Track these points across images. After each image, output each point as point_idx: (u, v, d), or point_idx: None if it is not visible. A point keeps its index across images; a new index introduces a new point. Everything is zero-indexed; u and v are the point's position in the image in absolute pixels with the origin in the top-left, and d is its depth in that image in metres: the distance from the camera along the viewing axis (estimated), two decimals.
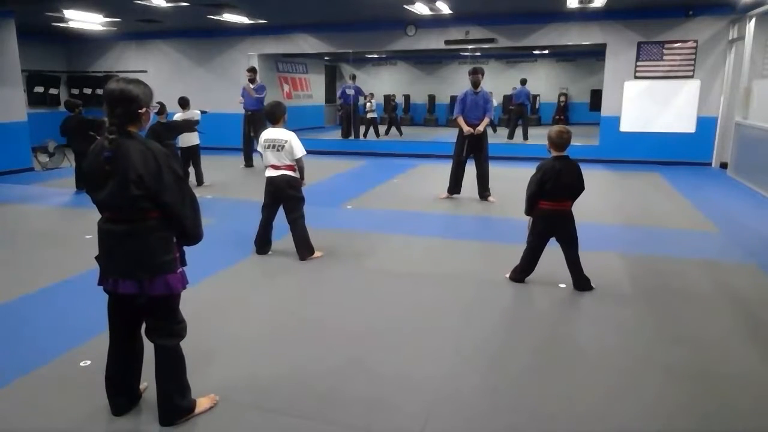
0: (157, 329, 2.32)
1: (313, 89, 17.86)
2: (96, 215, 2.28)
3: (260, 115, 9.22)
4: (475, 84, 6.75)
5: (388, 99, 17.95)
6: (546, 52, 17.52)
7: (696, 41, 9.63)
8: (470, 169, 7.02)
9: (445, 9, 9.51)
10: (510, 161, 10.40)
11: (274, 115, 4.55)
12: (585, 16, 9.88)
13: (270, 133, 4.55)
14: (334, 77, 19.58)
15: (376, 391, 2.66)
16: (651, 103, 10.09)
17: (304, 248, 4.67)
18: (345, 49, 12.27)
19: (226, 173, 9.36)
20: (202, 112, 8.41)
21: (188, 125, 7.75)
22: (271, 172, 4.59)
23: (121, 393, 2.44)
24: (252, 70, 10.08)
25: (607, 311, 3.62)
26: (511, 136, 13.55)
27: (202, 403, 2.47)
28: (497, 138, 14.02)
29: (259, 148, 4.64)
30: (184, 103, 8.26)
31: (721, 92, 9.65)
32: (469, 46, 11.64)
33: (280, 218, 4.73)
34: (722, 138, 9.65)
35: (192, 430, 2.36)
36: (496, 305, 3.77)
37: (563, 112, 17.41)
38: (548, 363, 2.96)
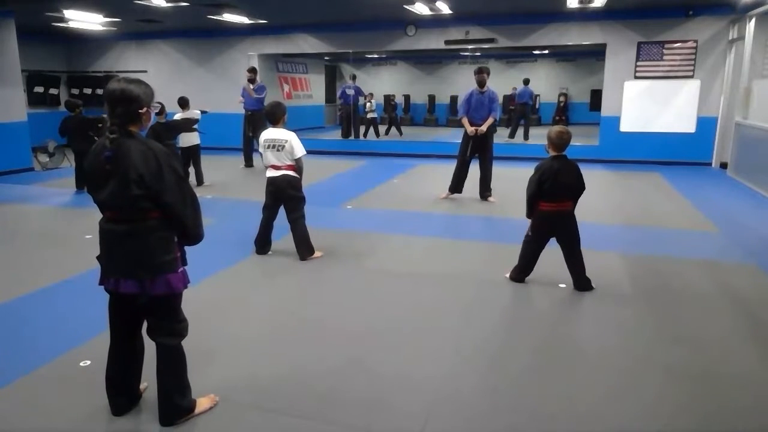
0: (158, 328, 2.33)
1: (313, 89, 17.86)
2: (96, 215, 2.28)
3: (260, 115, 9.23)
4: (481, 83, 6.69)
5: (388, 99, 17.95)
6: (546, 52, 17.52)
7: (696, 41, 9.63)
8: (474, 169, 7.01)
9: (445, 9, 9.51)
10: (511, 161, 10.39)
11: (274, 116, 4.55)
12: (585, 16, 9.88)
13: (270, 134, 4.55)
14: (334, 77, 19.57)
15: (376, 391, 2.66)
16: (651, 103, 10.09)
17: (304, 248, 4.67)
18: (345, 49, 12.28)
19: (226, 173, 9.36)
20: (203, 112, 8.41)
21: (188, 125, 7.76)
22: (271, 173, 4.59)
23: (122, 393, 2.44)
24: (252, 70, 10.08)
25: (607, 311, 3.62)
26: (512, 135, 13.56)
27: (202, 404, 2.47)
28: (497, 138, 14.00)
29: (259, 149, 4.64)
30: (183, 103, 8.26)
31: (721, 92, 9.65)
32: (469, 46, 11.64)
33: (281, 218, 4.73)
34: (722, 138, 9.65)
35: (192, 430, 2.36)
36: (496, 305, 3.77)
37: (563, 112, 17.41)
38: (548, 363, 2.96)
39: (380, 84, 19.54)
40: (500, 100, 17.38)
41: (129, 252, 2.19)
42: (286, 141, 4.48)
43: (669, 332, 3.32)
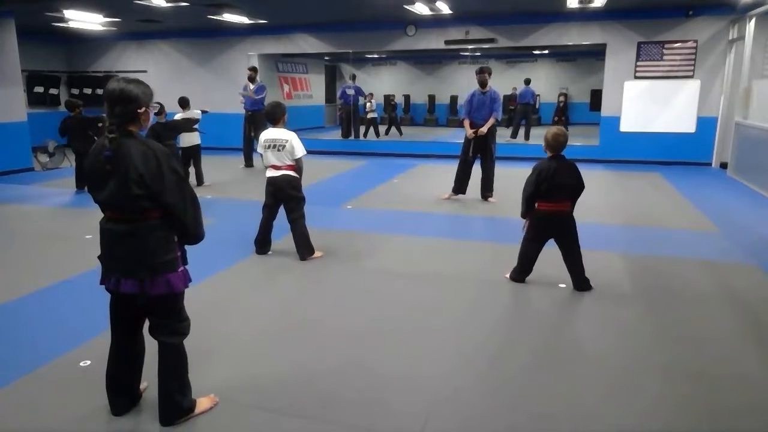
0: (160, 327, 2.33)
1: (313, 89, 17.87)
2: (96, 215, 2.29)
3: (260, 115, 9.23)
4: (482, 84, 6.65)
5: (388, 99, 17.96)
6: (546, 52, 17.52)
7: (696, 41, 9.63)
8: (476, 169, 7.00)
9: (445, 9, 9.51)
10: (511, 161, 10.38)
11: (274, 116, 4.56)
12: (585, 16, 9.88)
13: (270, 134, 4.55)
14: (334, 77, 19.58)
15: (376, 391, 2.66)
16: (651, 103, 10.09)
17: (304, 248, 4.67)
18: (345, 49, 12.27)
19: (226, 173, 9.36)
20: (203, 112, 8.41)
21: (188, 125, 7.75)
22: (272, 173, 4.59)
23: (122, 393, 2.44)
24: (253, 69, 10.09)
25: (607, 311, 3.62)
26: (514, 135, 13.56)
27: (202, 404, 2.47)
28: (499, 138, 14.00)
29: (258, 149, 4.64)
30: (184, 103, 8.26)
31: (721, 92, 9.65)
32: (469, 46, 11.64)
33: (281, 218, 4.73)
34: (722, 138, 9.65)
35: (192, 430, 2.36)
36: (496, 305, 3.77)
37: (563, 112, 17.42)
38: (548, 363, 2.96)
39: (380, 84, 19.54)
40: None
41: (129, 251, 2.20)
42: (287, 141, 4.48)
43: (669, 332, 3.32)
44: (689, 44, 9.67)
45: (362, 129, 14.30)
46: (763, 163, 7.59)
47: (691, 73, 9.77)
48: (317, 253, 4.73)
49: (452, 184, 7.09)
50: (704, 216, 6.23)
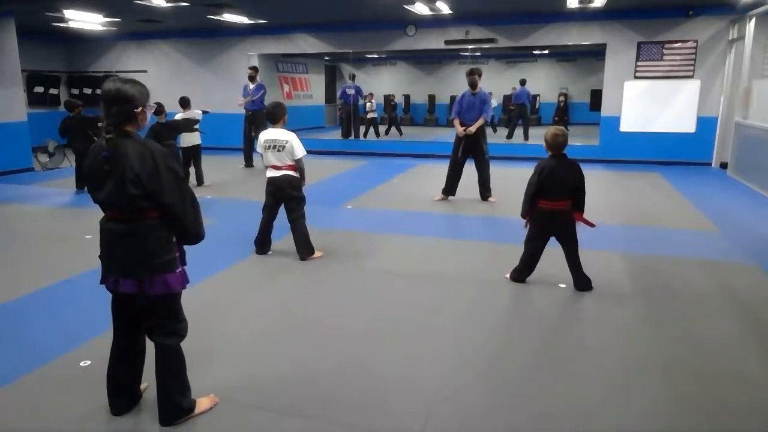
0: (157, 328, 2.32)
1: (313, 89, 17.87)
2: (96, 215, 2.29)
3: (260, 115, 9.24)
4: (472, 85, 6.71)
5: (388, 99, 17.96)
6: (546, 52, 17.52)
7: (696, 41, 9.63)
8: (470, 171, 7.01)
9: (445, 9, 9.51)
10: (510, 161, 10.40)
11: (274, 116, 4.56)
12: (585, 16, 9.88)
13: (270, 134, 4.55)
14: (334, 77, 19.58)
15: (376, 391, 2.66)
16: (651, 103, 10.08)
17: (305, 248, 4.67)
18: (345, 49, 12.27)
19: (226, 173, 9.36)
20: (204, 112, 8.40)
21: (188, 125, 7.75)
22: (272, 173, 4.60)
23: (122, 393, 2.44)
24: (253, 69, 10.10)
25: (607, 311, 3.62)
26: (510, 136, 13.57)
27: (202, 404, 2.47)
28: (497, 138, 14.03)
29: (258, 149, 4.64)
30: (184, 103, 8.25)
31: (721, 92, 9.65)
32: (469, 46, 11.64)
33: (281, 218, 4.73)
34: (722, 138, 9.65)
35: (192, 430, 2.36)
36: (496, 305, 3.77)
37: (563, 112, 17.43)
38: (548, 363, 2.96)
39: (380, 84, 19.55)
40: (501, 100, 17.49)
41: (129, 251, 2.20)
42: (287, 141, 4.48)
43: (669, 332, 3.32)
44: (689, 44, 9.67)
45: (362, 129, 14.30)
46: (763, 163, 7.59)
47: (691, 73, 9.77)
48: (317, 253, 4.73)
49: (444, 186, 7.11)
50: (704, 216, 6.23)
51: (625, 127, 10.33)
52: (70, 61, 13.99)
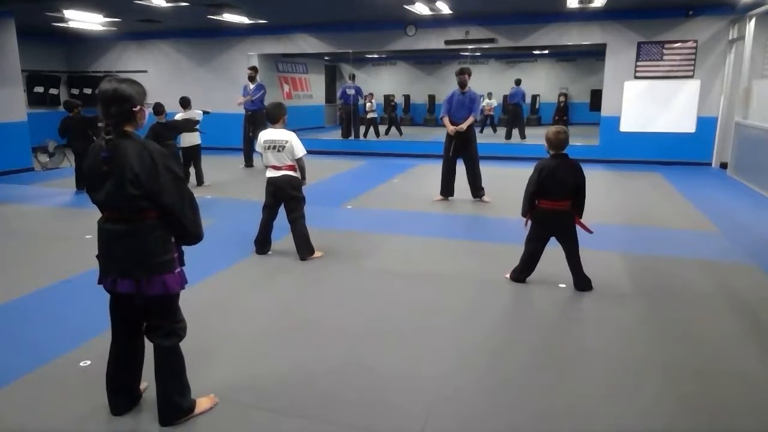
0: (156, 329, 2.32)
1: (313, 89, 17.86)
2: (96, 215, 2.28)
3: (260, 115, 9.24)
4: (462, 84, 6.73)
5: (388, 99, 17.95)
6: (546, 52, 17.52)
7: (696, 41, 9.63)
8: (463, 170, 6.99)
9: (445, 9, 9.51)
10: (508, 161, 10.40)
11: (275, 116, 4.56)
12: (585, 16, 9.88)
13: (270, 134, 4.55)
14: (334, 77, 19.58)
15: (376, 391, 2.66)
16: (651, 103, 10.08)
17: (305, 248, 4.67)
18: (345, 49, 12.27)
19: (226, 173, 9.36)
20: (204, 113, 8.40)
21: (188, 125, 7.75)
22: (272, 173, 4.60)
23: (121, 393, 2.44)
24: (253, 69, 10.10)
25: (607, 311, 3.62)
26: (508, 136, 13.58)
27: (202, 404, 2.47)
28: (496, 138, 14.05)
29: (258, 149, 4.64)
30: (185, 103, 8.25)
31: (721, 92, 9.65)
32: (469, 46, 11.64)
33: (281, 218, 4.73)
34: (722, 138, 9.65)
35: (192, 430, 2.36)
36: (496, 305, 3.77)
37: (563, 112, 17.42)
38: (548, 363, 2.96)
39: (380, 84, 19.55)
40: (500, 100, 17.48)
41: (128, 251, 2.19)
42: (287, 141, 4.48)
43: (669, 332, 3.32)
44: (689, 44, 9.67)
45: (362, 129, 14.30)
46: (763, 163, 7.59)
47: (691, 73, 9.77)
48: (317, 253, 4.73)
49: (440, 187, 7.11)
50: (704, 216, 6.23)
51: (625, 127, 10.33)
52: (70, 61, 14.00)
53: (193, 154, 8.03)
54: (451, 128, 6.76)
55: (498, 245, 5.08)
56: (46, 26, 11.31)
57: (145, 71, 12.98)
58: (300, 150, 4.51)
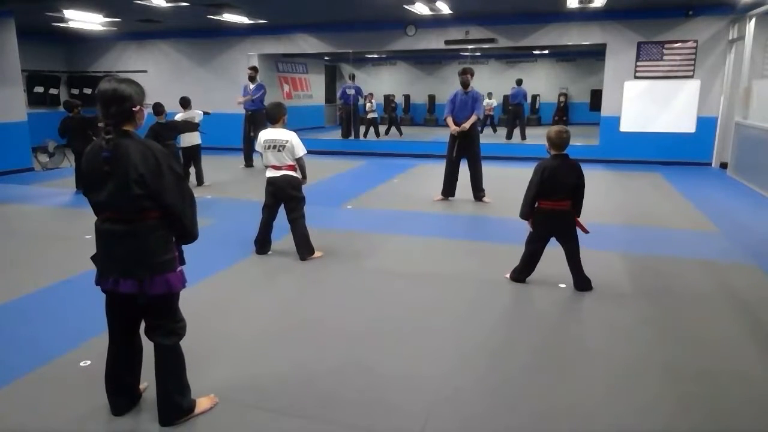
0: (156, 328, 2.32)
1: (313, 89, 17.86)
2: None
3: (260, 115, 9.24)
4: (464, 84, 6.74)
5: (388, 99, 17.95)
6: (546, 52, 17.52)
7: (696, 41, 9.63)
8: (465, 170, 7.00)
9: (445, 9, 9.51)
10: (508, 161, 10.40)
11: (275, 116, 4.56)
12: (585, 16, 9.88)
13: (270, 134, 4.55)
14: (334, 77, 19.58)
15: (376, 391, 2.66)
16: (651, 103, 10.09)
17: (305, 248, 4.67)
18: (345, 49, 12.27)
19: (226, 173, 9.36)
20: (205, 113, 8.39)
21: (188, 126, 7.75)
22: (272, 173, 4.60)
23: (121, 393, 2.44)
24: (253, 69, 10.10)
25: (607, 311, 3.62)
26: (509, 136, 13.58)
27: (202, 404, 2.47)
28: (496, 138, 14.05)
29: (258, 149, 4.64)
30: (185, 104, 8.25)
31: (721, 92, 9.65)
32: (469, 46, 11.64)
33: (281, 218, 4.73)
34: (722, 138, 9.65)
35: (192, 430, 2.36)
36: (496, 305, 3.77)
37: (563, 112, 17.41)
38: (548, 363, 2.96)
39: (380, 84, 19.55)
40: (500, 100, 17.48)
41: (129, 251, 2.19)
42: (287, 141, 4.48)
43: (669, 332, 3.32)
44: (689, 44, 9.67)
45: (362, 129, 14.30)
46: (763, 163, 7.59)
47: (691, 73, 9.77)
48: (317, 253, 4.73)
49: (442, 187, 7.11)
50: (704, 216, 6.23)
51: (625, 127, 10.33)
52: (70, 61, 14.00)
53: (193, 154, 8.03)
54: (454, 128, 6.76)
55: (498, 245, 5.08)
56: (46, 26, 11.31)
57: (145, 71, 12.98)
58: (300, 149, 4.51)
